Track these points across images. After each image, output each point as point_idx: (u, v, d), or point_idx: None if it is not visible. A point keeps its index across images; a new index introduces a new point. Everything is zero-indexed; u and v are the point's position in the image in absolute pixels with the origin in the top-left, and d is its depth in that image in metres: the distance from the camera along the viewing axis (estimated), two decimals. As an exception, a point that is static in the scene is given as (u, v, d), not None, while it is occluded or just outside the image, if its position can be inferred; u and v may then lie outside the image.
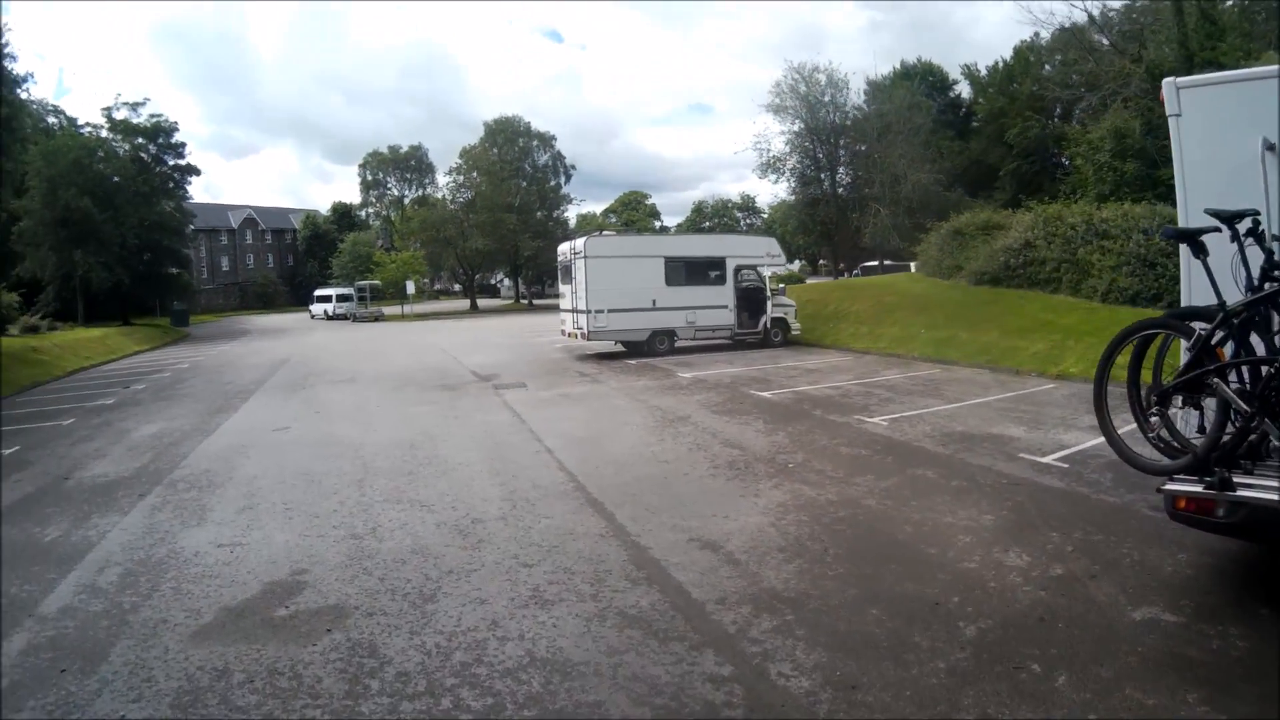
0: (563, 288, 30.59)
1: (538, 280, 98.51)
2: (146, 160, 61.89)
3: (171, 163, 63.97)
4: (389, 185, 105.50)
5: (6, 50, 29.35)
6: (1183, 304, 7.26)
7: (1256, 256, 6.01)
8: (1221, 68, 24.06)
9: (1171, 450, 6.55)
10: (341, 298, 75.23)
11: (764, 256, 30.53)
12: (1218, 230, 6.13)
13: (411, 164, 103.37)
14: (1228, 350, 6.14)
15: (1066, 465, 11.09)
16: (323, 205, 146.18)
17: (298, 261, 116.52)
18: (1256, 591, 6.76)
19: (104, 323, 54.07)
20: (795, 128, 62.53)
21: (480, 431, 15.78)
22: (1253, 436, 5.98)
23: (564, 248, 30.24)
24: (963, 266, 30.72)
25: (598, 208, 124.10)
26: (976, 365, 21.40)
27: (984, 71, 66.58)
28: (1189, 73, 12.35)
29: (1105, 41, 48.02)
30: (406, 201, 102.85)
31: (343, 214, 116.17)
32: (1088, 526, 8.51)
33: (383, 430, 16.66)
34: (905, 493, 10.06)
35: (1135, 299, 22.87)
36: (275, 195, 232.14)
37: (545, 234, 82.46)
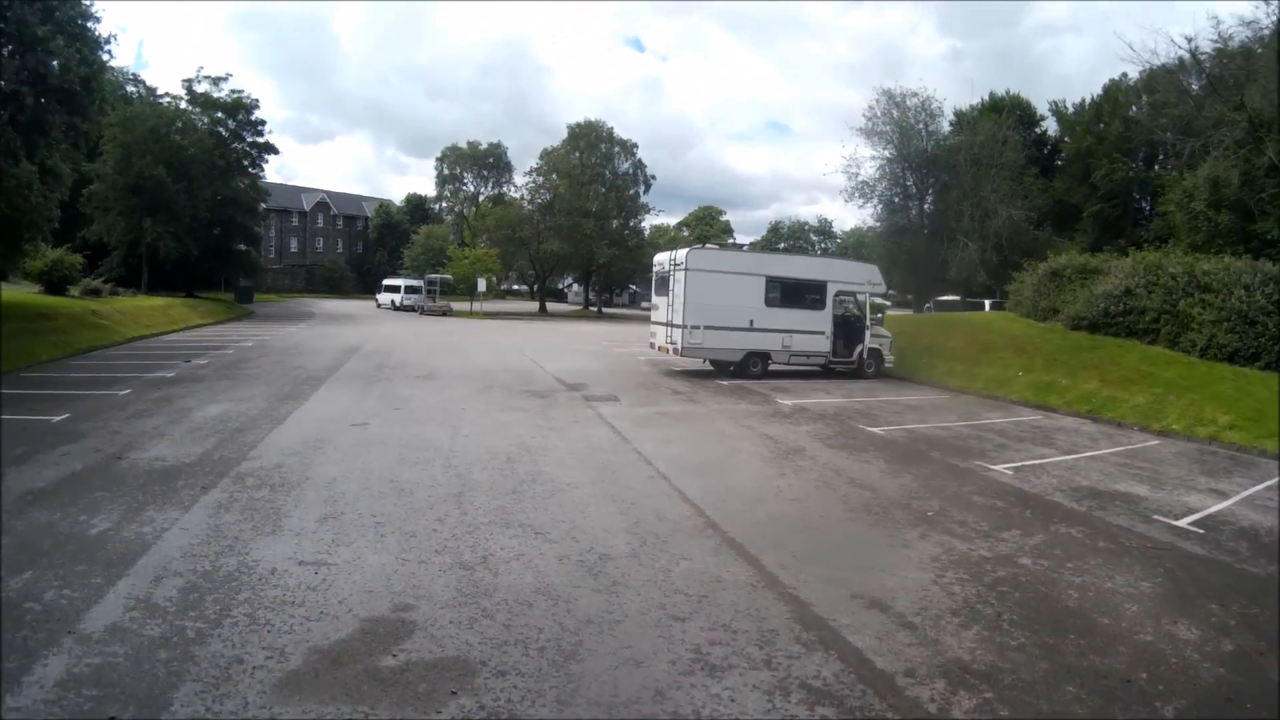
0: (656, 299, 28.82)
1: (607, 288, 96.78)
2: (224, 135, 60.62)
3: (250, 139, 64.45)
4: (465, 181, 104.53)
5: (92, 9, 28.30)
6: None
7: None
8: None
9: None
10: (410, 289, 73.77)
11: (865, 284, 29.00)
12: None
13: (489, 161, 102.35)
14: None
15: (1202, 531, 10.74)
16: (396, 196, 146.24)
17: (367, 249, 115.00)
18: None
19: (167, 292, 53.86)
20: (887, 153, 59.84)
21: (581, 447, 14.49)
22: None
23: (662, 258, 28.52)
24: (1059, 309, 29.38)
25: (670, 220, 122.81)
26: (1078, 414, 20.74)
27: (1071, 108, 65.61)
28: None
29: (1195, 86, 45.25)
30: (481, 199, 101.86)
31: (416, 205, 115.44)
32: (1241, 599, 8.29)
33: (474, 437, 15.06)
34: (1057, 553, 9.49)
35: (1234, 356, 22.52)
36: (348, 183, 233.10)
37: (620, 242, 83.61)
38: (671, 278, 26.62)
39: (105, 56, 29.31)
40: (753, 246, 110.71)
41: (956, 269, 54.91)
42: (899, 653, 6.54)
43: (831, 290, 28.11)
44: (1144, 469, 14.46)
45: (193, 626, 6.50)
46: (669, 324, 26.68)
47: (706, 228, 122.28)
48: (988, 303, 49.48)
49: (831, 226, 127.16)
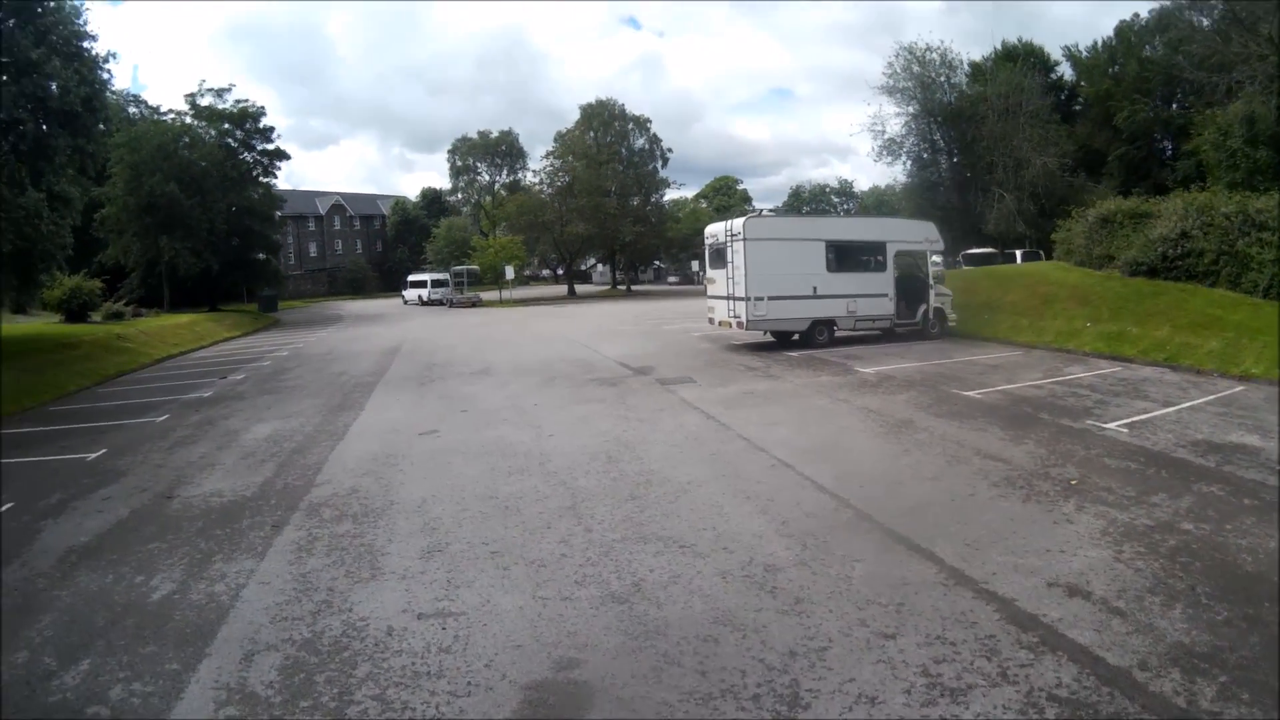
0: (711, 272, 27.11)
1: (632, 266, 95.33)
2: (233, 145, 60.44)
3: (260, 148, 62.55)
4: (479, 171, 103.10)
5: (87, 28, 27.07)
6: None
7: None
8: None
9: None
10: (437, 283, 72.51)
11: (923, 242, 27.81)
12: None
13: (502, 149, 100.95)
14: None
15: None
16: (408, 192, 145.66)
17: (386, 247, 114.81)
18: None
19: (190, 309, 53.93)
20: (911, 109, 59.32)
21: (680, 438, 13.16)
22: None
23: (716, 229, 26.89)
24: (1114, 256, 28.25)
25: (687, 193, 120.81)
26: (1155, 364, 19.79)
27: (1084, 52, 64.24)
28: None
29: (1206, 23, 45.35)
30: (496, 187, 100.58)
31: (433, 199, 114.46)
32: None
33: (560, 436, 13.61)
34: (1211, 514, 8.79)
35: (1299, 293, 21.72)
36: (356, 184, 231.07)
37: (644, 219, 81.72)
38: (729, 249, 25.16)
39: (105, 75, 27.91)
40: (775, 213, 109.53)
41: (994, 221, 54.24)
42: (1123, 644, 5.98)
43: (891, 250, 26.88)
44: (1245, 417, 13.64)
45: (309, 722, 4.98)
46: (730, 297, 25.24)
47: (725, 198, 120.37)
48: (1019, 253, 48.25)
49: (852, 187, 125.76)
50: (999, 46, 64.99)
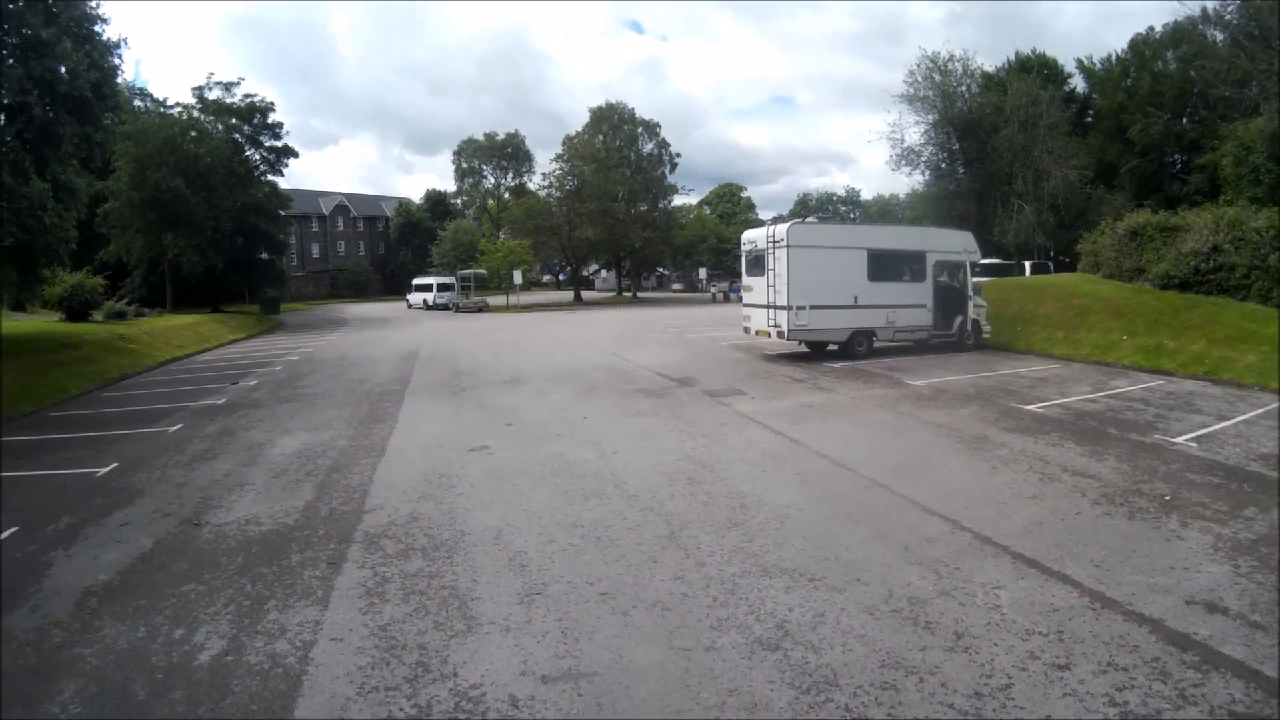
0: (749, 280, 26.24)
1: (637, 272, 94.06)
2: (240, 141, 59.02)
3: (268, 144, 61.36)
4: (484, 173, 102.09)
5: (99, 11, 25.85)
6: None
7: None
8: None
9: None
10: (443, 286, 71.18)
11: (961, 252, 27.16)
12: None
13: (508, 152, 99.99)
14: None
15: None
16: (405, 194, 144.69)
17: (389, 250, 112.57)
18: None
19: (193, 309, 52.54)
20: (930, 118, 58.34)
21: (757, 455, 12.31)
22: None
23: (755, 235, 26.13)
24: (1144, 269, 28.47)
25: (691, 200, 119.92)
26: (1195, 377, 19.86)
27: (1098, 65, 64.55)
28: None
29: (1219, 38, 45.77)
30: (501, 191, 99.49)
31: (436, 201, 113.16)
32: None
33: (626, 453, 12.45)
34: None
35: (1330, 309, 22.05)
36: (356, 185, 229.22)
37: (652, 225, 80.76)
38: (770, 256, 24.18)
39: (116, 60, 26.54)
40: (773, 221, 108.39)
41: (1014, 232, 53.76)
42: (1274, 657, 5.91)
43: (931, 260, 26.25)
44: (1301, 431, 13.59)
45: None
46: (770, 306, 24.24)
47: (730, 205, 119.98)
48: (1028, 264, 47.58)
49: (859, 196, 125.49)
50: (1012, 58, 65.34)
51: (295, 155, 63.41)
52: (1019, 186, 54.15)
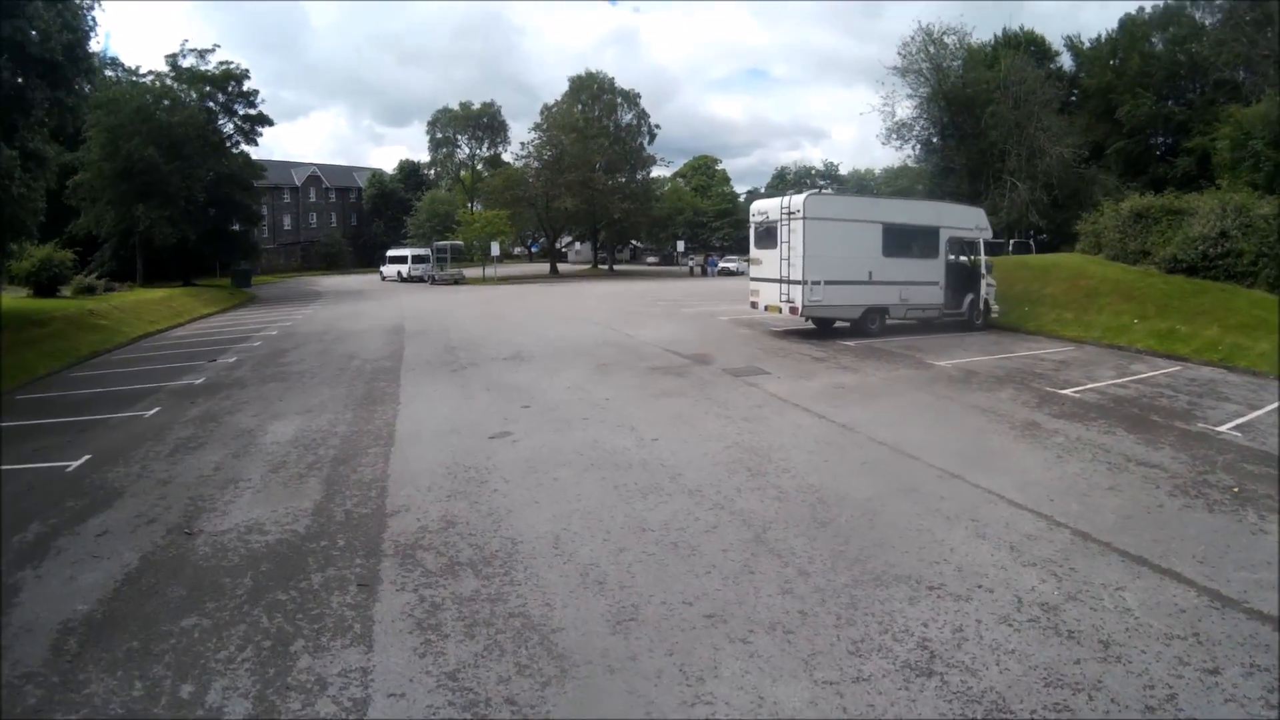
0: (758, 253, 25.01)
1: (613, 245, 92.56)
2: (214, 110, 56.60)
3: (242, 112, 58.52)
4: (459, 144, 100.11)
5: None
6: None
7: None
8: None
9: None
10: (417, 258, 68.94)
11: (974, 229, 26.64)
12: None
13: (484, 122, 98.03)
14: None
15: None
16: (376, 165, 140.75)
17: (362, 221, 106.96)
18: None
19: (163, 283, 50.53)
20: (923, 92, 57.37)
21: (811, 442, 11.48)
22: None
23: (767, 205, 24.99)
24: (1149, 252, 28.31)
25: (665, 171, 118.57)
26: (1211, 364, 19.45)
27: (1087, 43, 64.21)
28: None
29: (1208, 22, 46.43)
30: (476, 161, 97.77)
31: (410, 172, 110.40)
32: None
33: (667, 440, 11.39)
34: None
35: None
36: (327, 157, 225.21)
37: (632, 196, 79.11)
38: (783, 228, 23.12)
39: (89, 23, 25.12)
40: (749, 195, 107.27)
41: (1008, 210, 53.06)
42: None
43: (944, 236, 25.57)
44: (1335, 421, 13.42)
45: None
46: (782, 280, 23.21)
47: (706, 178, 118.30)
48: (1011, 242, 47.89)
49: (837, 170, 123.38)
50: (999, 34, 64.47)
51: (270, 123, 61.18)
52: (1012, 164, 53.58)
